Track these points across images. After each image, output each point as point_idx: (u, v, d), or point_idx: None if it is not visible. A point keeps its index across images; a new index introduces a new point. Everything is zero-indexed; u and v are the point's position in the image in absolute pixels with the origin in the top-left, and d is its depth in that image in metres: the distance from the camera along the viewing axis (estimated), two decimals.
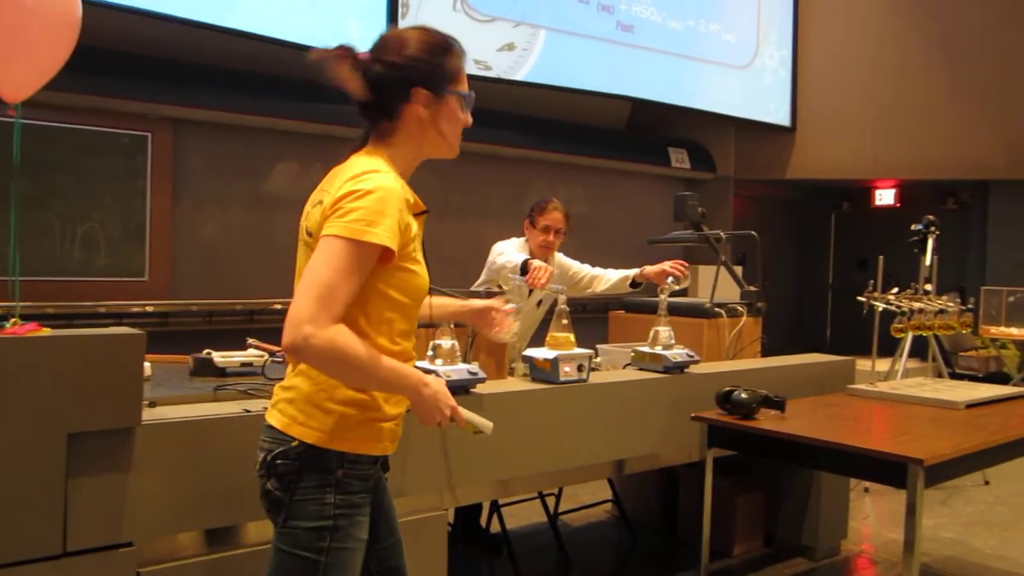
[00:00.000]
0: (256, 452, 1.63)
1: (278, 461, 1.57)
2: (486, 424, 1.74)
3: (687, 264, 3.58)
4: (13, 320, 1.83)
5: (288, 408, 1.60)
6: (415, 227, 1.65)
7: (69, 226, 4.85)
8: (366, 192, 1.53)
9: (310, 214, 1.64)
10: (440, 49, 1.68)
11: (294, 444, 1.57)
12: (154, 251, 5.17)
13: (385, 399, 1.63)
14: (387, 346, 1.62)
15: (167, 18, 4.93)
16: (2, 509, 1.74)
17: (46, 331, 1.83)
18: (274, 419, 1.62)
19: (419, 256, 1.66)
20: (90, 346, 1.84)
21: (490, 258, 3.56)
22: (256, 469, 1.63)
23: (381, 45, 1.66)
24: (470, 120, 1.75)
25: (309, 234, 1.62)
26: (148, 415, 1.97)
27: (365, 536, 1.64)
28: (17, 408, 1.74)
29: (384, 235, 1.51)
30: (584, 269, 3.82)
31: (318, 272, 1.48)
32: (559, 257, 3.76)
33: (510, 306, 2.18)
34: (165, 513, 1.95)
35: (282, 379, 1.68)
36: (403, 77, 1.64)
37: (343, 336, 1.47)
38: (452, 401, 1.65)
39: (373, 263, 1.54)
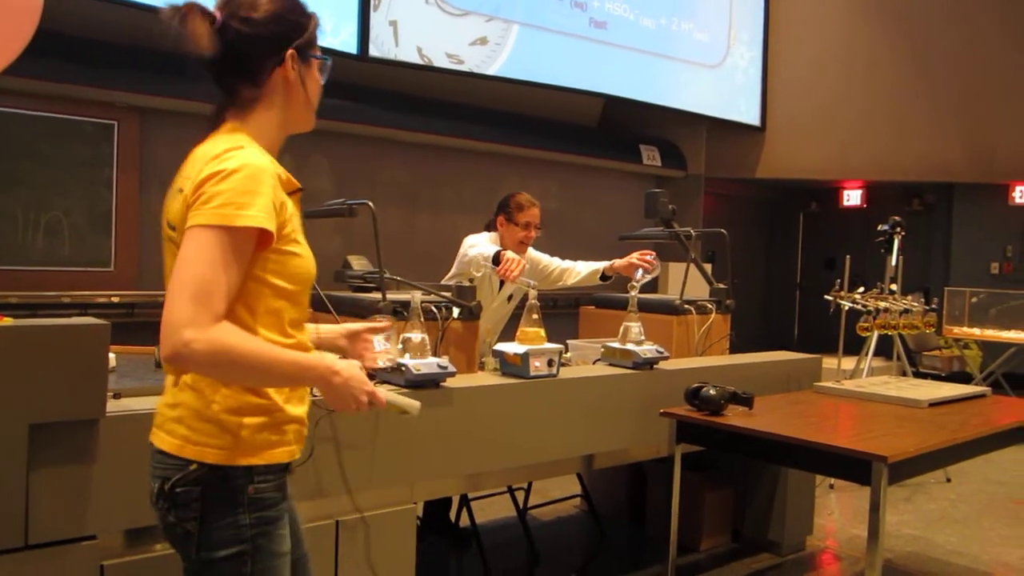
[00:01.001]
0: (149, 481, 1.50)
1: (177, 489, 1.43)
2: (412, 404, 1.61)
3: (655, 254, 3.59)
4: None
5: (178, 428, 1.45)
6: (290, 206, 1.50)
7: (32, 215, 4.76)
8: (231, 172, 1.38)
9: (170, 206, 1.48)
10: (300, 8, 1.56)
11: (192, 467, 1.42)
12: (120, 241, 5.09)
13: (285, 399, 1.50)
14: (279, 340, 1.48)
15: (134, 5, 4.85)
16: None
17: (8, 320, 1.80)
18: (163, 442, 1.47)
19: (299, 237, 1.51)
20: (54, 336, 1.80)
21: (461, 251, 3.55)
22: (151, 501, 1.48)
23: (230, 1, 1.50)
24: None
25: (172, 227, 1.46)
26: (113, 406, 1.93)
27: (288, 549, 1.52)
28: None
29: (259, 216, 1.37)
30: (554, 263, 3.82)
31: (190, 268, 1.34)
32: (529, 251, 3.76)
33: (385, 324, 1.97)
34: (129, 506, 1.91)
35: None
36: (272, 36, 1.51)
37: (229, 334, 1.34)
38: (368, 385, 1.50)
39: (251, 249, 1.40)
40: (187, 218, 1.39)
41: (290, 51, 1.52)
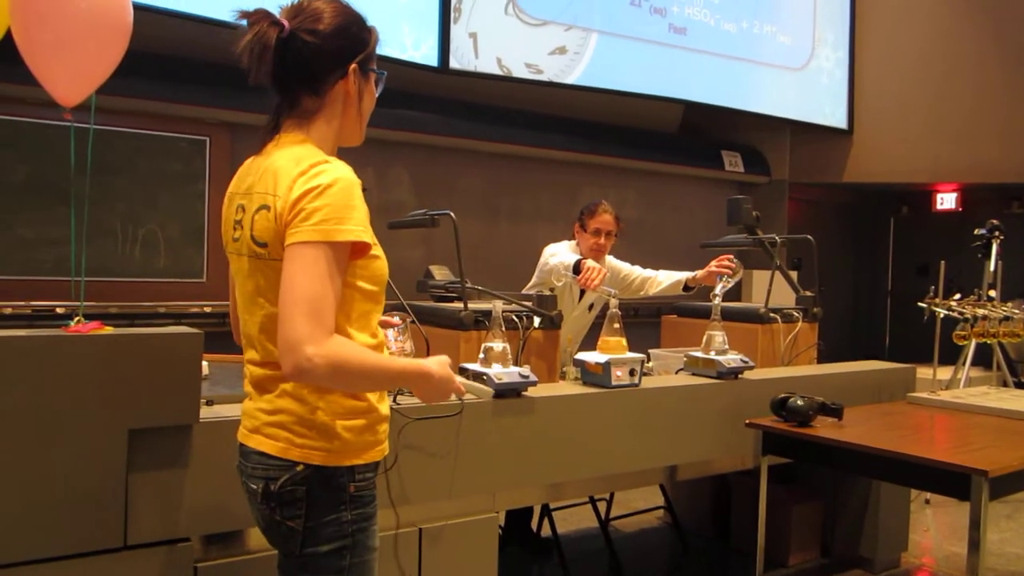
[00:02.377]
0: (245, 482, 1.56)
1: (284, 489, 1.48)
2: (485, 390, 1.86)
3: (732, 257, 3.52)
4: (77, 319, 1.87)
5: (280, 432, 1.50)
6: None
7: (130, 228, 4.97)
8: (325, 187, 1.41)
9: (256, 221, 1.48)
10: (364, 23, 1.59)
11: (299, 468, 1.48)
12: (212, 253, 5.26)
13: (378, 400, 1.57)
14: (369, 341, 1.53)
15: (225, 24, 5.02)
16: (66, 501, 1.79)
17: (109, 329, 1.87)
18: (262, 444, 1.51)
19: (375, 239, 1.54)
20: (150, 344, 1.87)
21: (542, 260, 3.55)
22: (256, 501, 1.52)
23: (299, 13, 1.52)
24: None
25: (261, 244, 1.47)
26: (206, 413, 2.00)
27: (378, 543, 1.60)
28: (81, 403, 1.79)
29: (357, 230, 1.42)
30: (635, 272, 3.79)
31: (301, 286, 1.37)
32: (610, 260, 3.74)
33: (396, 319, 2.06)
34: (220, 510, 1.97)
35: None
36: (337, 49, 1.53)
37: (345, 348, 1.40)
38: (456, 380, 1.63)
39: (348, 260, 1.44)
40: (285, 236, 1.41)
41: (353, 65, 1.55)
